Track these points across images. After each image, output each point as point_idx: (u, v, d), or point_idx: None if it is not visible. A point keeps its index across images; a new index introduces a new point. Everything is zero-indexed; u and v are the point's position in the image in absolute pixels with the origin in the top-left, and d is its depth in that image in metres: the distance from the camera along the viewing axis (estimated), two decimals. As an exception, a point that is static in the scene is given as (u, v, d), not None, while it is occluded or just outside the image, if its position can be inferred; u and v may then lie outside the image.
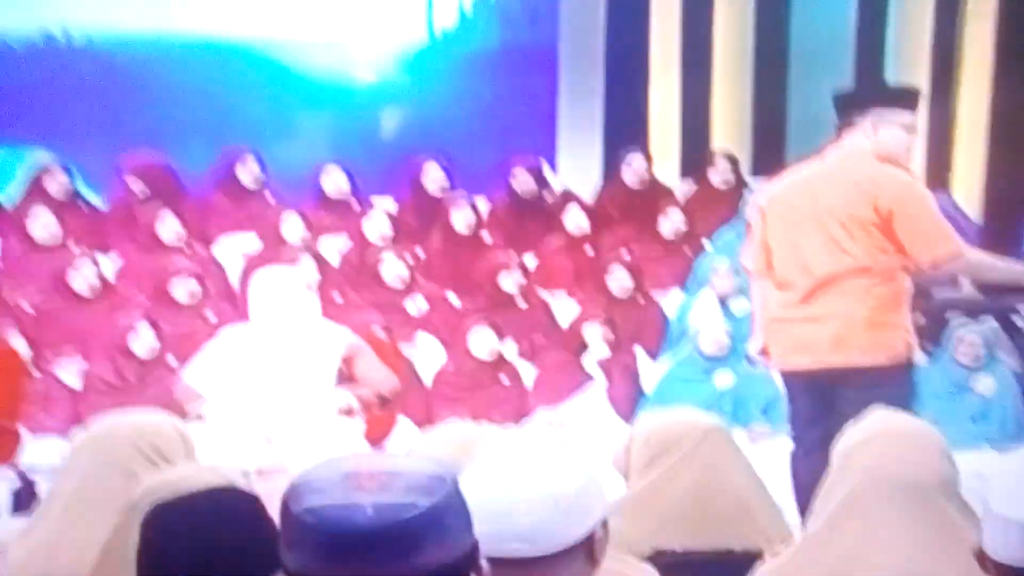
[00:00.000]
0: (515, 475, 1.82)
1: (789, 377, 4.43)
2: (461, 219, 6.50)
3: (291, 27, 7.53)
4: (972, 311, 5.89)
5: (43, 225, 6.31)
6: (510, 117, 7.50)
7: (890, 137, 4.16)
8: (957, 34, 7.58)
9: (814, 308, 4.18)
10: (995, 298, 5.81)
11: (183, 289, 5.88)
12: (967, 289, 6.08)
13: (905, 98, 4.40)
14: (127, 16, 7.42)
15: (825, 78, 7.34)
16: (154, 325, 5.63)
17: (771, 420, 5.58)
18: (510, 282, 6.14)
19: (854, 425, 2.62)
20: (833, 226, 4.16)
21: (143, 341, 5.59)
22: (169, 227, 6.32)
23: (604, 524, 1.87)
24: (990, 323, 5.89)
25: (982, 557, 2.05)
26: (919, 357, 4.31)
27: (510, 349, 6.02)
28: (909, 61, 7.60)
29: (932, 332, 5.73)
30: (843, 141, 4.23)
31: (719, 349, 5.76)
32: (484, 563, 1.68)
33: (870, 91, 5.44)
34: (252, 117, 7.31)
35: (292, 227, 6.40)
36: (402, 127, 7.50)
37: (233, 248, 6.63)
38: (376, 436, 5.18)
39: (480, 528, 1.69)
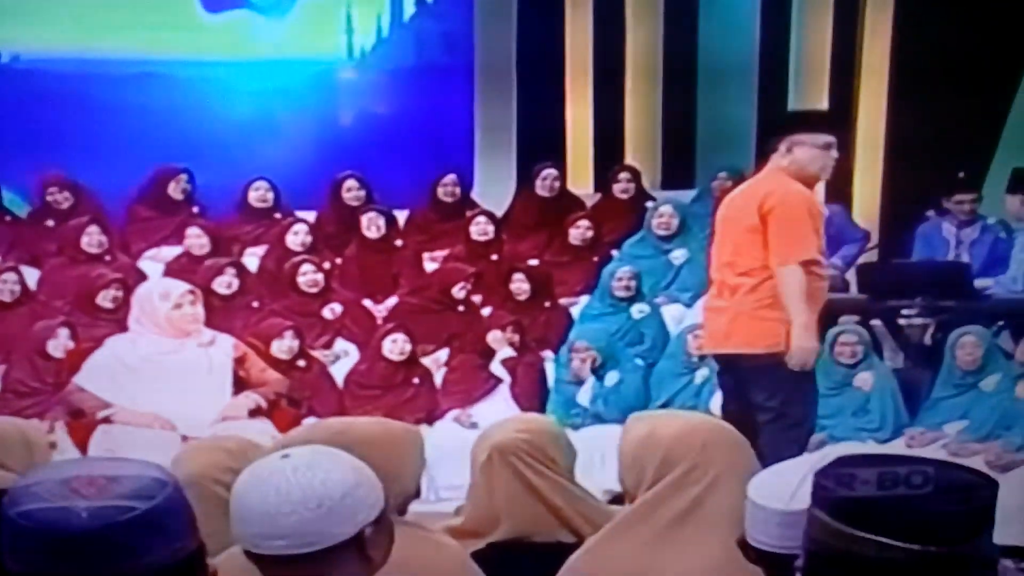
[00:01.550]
0: (281, 478, 1.87)
1: (714, 359, 5.03)
2: (373, 229, 6.70)
3: (217, 48, 7.71)
4: (861, 312, 6.22)
5: None
6: (428, 132, 7.63)
7: (803, 155, 4.55)
8: (855, 52, 7.89)
9: (718, 302, 4.73)
10: (880, 300, 6.19)
11: (106, 296, 5.99)
12: (854, 291, 6.53)
13: (813, 121, 4.99)
14: (56, 37, 7.56)
15: (731, 95, 7.86)
16: (72, 331, 5.76)
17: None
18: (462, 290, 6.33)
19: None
20: (735, 232, 4.64)
21: (60, 345, 5.71)
22: (93, 238, 6.46)
23: (378, 522, 1.90)
24: (875, 323, 6.22)
25: (743, 544, 2.13)
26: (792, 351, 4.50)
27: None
28: (810, 78, 7.89)
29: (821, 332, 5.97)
30: (769, 162, 4.67)
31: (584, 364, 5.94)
32: (214, 566, 1.74)
33: (783, 118, 5.95)
34: (181, 136, 7.41)
35: (199, 240, 6.60)
36: (324, 143, 7.59)
37: (162, 259, 6.79)
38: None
39: (249, 528, 1.83)
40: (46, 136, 7.34)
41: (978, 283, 6.37)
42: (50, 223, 6.80)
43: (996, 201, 6.71)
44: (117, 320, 5.77)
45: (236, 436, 3.29)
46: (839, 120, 6.61)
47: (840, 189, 7.22)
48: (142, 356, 5.41)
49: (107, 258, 6.46)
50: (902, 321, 6.15)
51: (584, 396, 5.86)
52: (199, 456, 2.82)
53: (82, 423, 5.33)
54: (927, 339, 6.19)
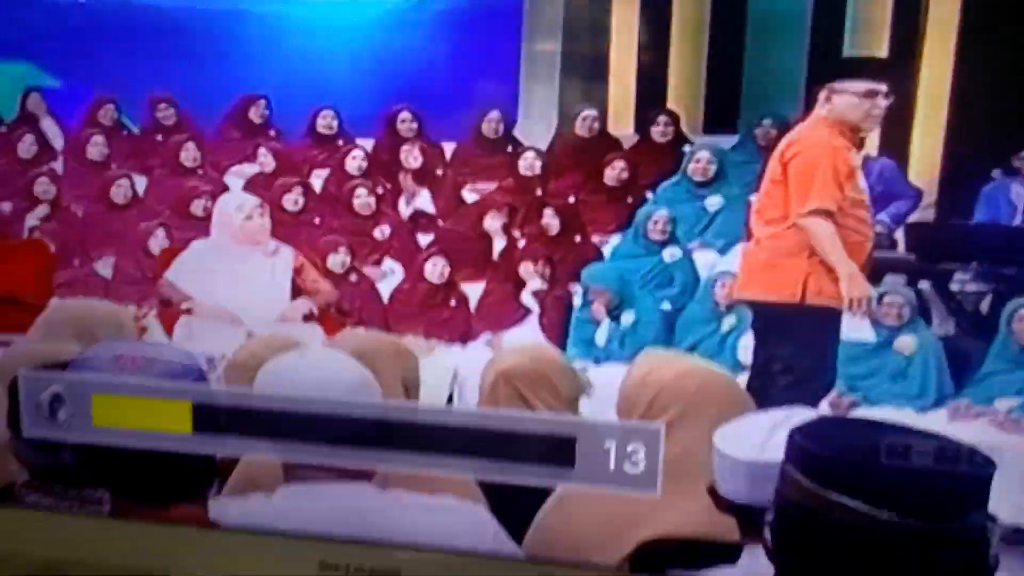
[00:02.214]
0: (299, 369, 2.14)
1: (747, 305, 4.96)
2: (411, 159, 7.12)
3: None
4: (908, 272, 5.95)
5: (97, 148, 7.47)
6: (477, 70, 7.84)
7: (841, 103, 4.47)
8: (920, 4, 7.34)
9: (745, 249, 4.76)
10: (931, 262, 5.91)
11: (197, 205, 6.83)
12: (902, 250, 6.24)
13: (858, 68, 4.94)
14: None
15: (781, 40, 7.57)
16: (169, 232, 6.70)
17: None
18: (491, 220, 6.67)
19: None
20: (766, 181, 4.65)
21: (159, 244, 6.68)
22: (189, 153, 7.35)
23: None
24: (923, 286, 5.94)
25: (713, 493, 2.17)
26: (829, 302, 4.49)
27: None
28: (869, 23, 7.42)
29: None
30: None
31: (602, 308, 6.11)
32: None
33: (822, 65, 5.74)
34: (262, 67, 7.93)
35: (269, 160, 7.36)
36: (386, 76, 7.91)
37: (243, 174, 7.53)
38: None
39: None
40: (151, 64, 7.96)
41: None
42: (158, 138, 7.62)
43: None
44: (205, 226, 6.43)
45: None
46: (894, 68, 6.28)
47: (898, 142, 6.94)
48: (219, 259, 6.08)
49: (200, 171, 7.32)
50: (955, 286, 5.86)
51: (600, 336, 6.05)
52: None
53: (170, 312, 6.11)
54: (983, 307, 5.85)
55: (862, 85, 4.47)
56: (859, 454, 1.66)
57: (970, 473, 1.67)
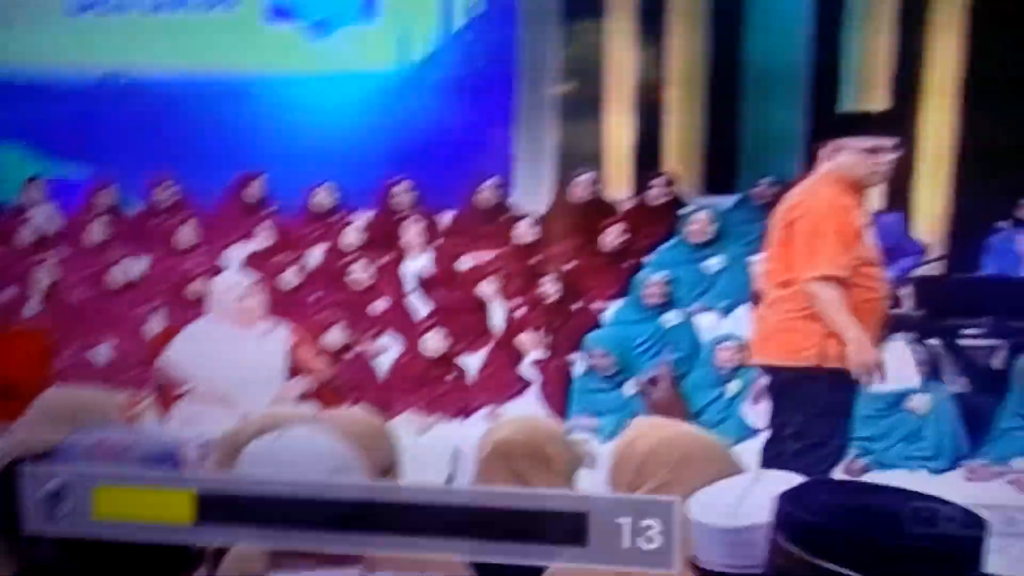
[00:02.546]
0: (278, 453, 2.06)
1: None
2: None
3: (286, 65, 8.28)
4: (917, 329, 5.76)
5: (96, 232, 7.36)
6: (472, 140, 7.81)
7: (845, 160, 4.28)
8: (920, 53, 7.29)
9: (757, 312, 4.59)
10: (939, 318, 5.72)
11: (193, 287, 6.69)
12: (908, 307, 6.02)
13: (859, 123, 4.52)
14: (155, 60, 8.38)
15: (779, 98, 7.53)
16: (167, 315, 6.62)
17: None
18: (488, 289, 6.56)
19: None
20: (773, 243, 4.45)
21: (155, 327, 6.60)
22: (187, 234, 7.29)
23: None
24: (933, 342, 5.73)
25: (692, 565, 2.06)
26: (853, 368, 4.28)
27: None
28: (867, 79, 7.40)
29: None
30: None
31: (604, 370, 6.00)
32: None
33: (825, 122, 5.59)
34: (257, 145, 7.97)
35: (271, 236, 7.24)
36: (381, 149, 7.87)
37: (241, 253, 7.42)
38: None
39: None
40: (148, 145, 8.06)
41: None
42: (158, 219, 7.55)
43: None
44: (202, 307, 6.33)
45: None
46: (894, 121, 5.72)
47: (902, 196, 6.84)
48: (214, 341, 5.96)
49: (198, 251, 7.21)
50: (966, 341, 5.65)
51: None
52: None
53: (166, 396, 5.99)
54: (996, 363, 5.63)
55: (867, 141, 4.28)
56: (847, 520, 1.58)
57: (963, 535, 1.58)
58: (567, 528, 1.90)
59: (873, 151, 4.26)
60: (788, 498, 1.65)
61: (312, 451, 2.05)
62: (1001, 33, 6.65)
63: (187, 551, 1.99)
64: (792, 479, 1.85)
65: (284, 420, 2.92)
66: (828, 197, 4.27)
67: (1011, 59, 6.53)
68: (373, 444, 2.68)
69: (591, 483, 3.04)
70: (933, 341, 5.67)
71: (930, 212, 7.04)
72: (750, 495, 1.94)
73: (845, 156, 4.28)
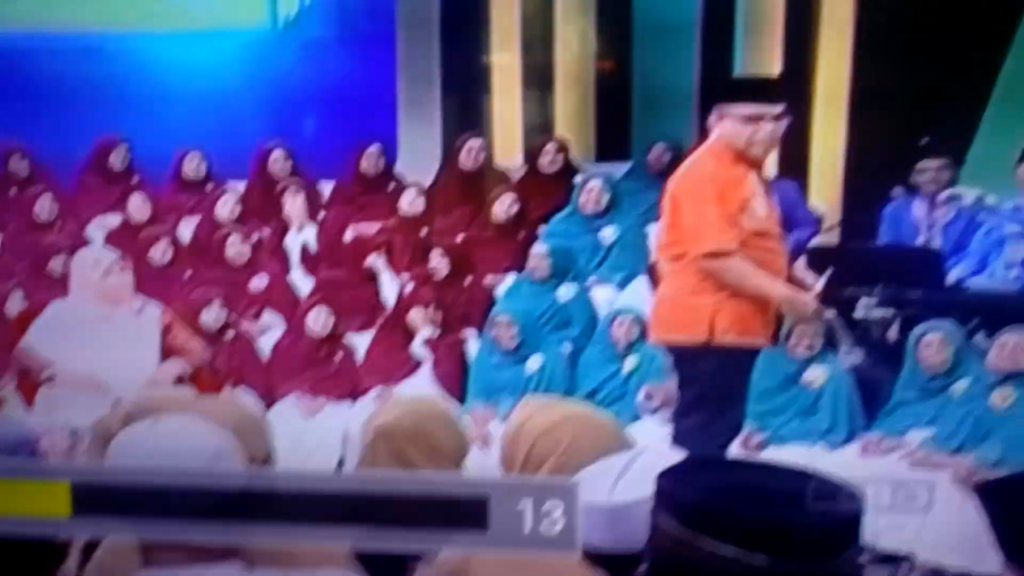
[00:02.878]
0: (155, 440, 1.95)
1: None
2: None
3: (146, 21, 7.74)
4: None
5: None
6: (352, 102, 7.48)
7: (727, 129, 4.18)
8: (813, 20, 7.08)
9: (658, 287, 4.47)
10: (835, 289, 5.29)
11: (55, 263, 6.24)
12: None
13: (745, 89, 4.45)
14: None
15: (671, 58, 7.26)
16: (26, 294, 6.11)
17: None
18: (375, 264, 6.32)
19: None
20: (664, 218, 4.33)
21: (15, 307, 6.09)
22: (45, 206, 6.75)
23: None
24: (828, 314, 5.39)
25: None
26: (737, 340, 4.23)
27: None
28: (760, 38, 7.16)
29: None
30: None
31: (509, 340, 5.79)
32: None
33: (714, 86, 5.46)
34: (120, 107, 7.46)
35: (142, 207, 6.75)
36: (253, 113, 7.50)
37: (105, 226, 6.96)
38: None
39: None
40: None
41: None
42: (11, 192, 7.03)
43: (976, 179, 5.97)
44: (64, 286, 5.91)
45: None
46: (781, 88, 5.65)
47: (797, 164, 6.67)
48: (79, 320, 5.59)
49: (58, 225, 6.72)
50: (860, 313, 5.49)
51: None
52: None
53: (29, 381, 5.58)
54: (890, 335, 5.51)
55: (747, 109, 4.19)
56: (726, 496, 1.59)
57: (841, 509, 1.58)
58: (467, 513, 1.84)
59: (754, 119, 4.16)
60: (667, 475, 1.65)
61: (187, 440, 1.96)
62: (895, 16, 6.53)
63: (54, 545, 1.92)
64: (672, 456, 1.98)
65: (157, 406, 2.79)
66: (711, 169, 4.18)
67: (904, 34, 6.42)
68: (249, 433, 2.55)
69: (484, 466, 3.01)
70: (828, 312, 5.38)
71: (825, 180, 6.93)
72: (628, 473, 1.94)
73: (728, 123, 4.18)
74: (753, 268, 4.16)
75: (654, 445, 2.63)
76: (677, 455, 2.33)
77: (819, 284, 4.36)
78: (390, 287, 6.36)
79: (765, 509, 1.55)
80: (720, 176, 4.17)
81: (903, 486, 4.87)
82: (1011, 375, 4.99)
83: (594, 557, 2.02)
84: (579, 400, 4.96)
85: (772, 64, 6.98)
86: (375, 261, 6.36)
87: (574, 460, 2.36)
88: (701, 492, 1.58)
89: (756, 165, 4.30)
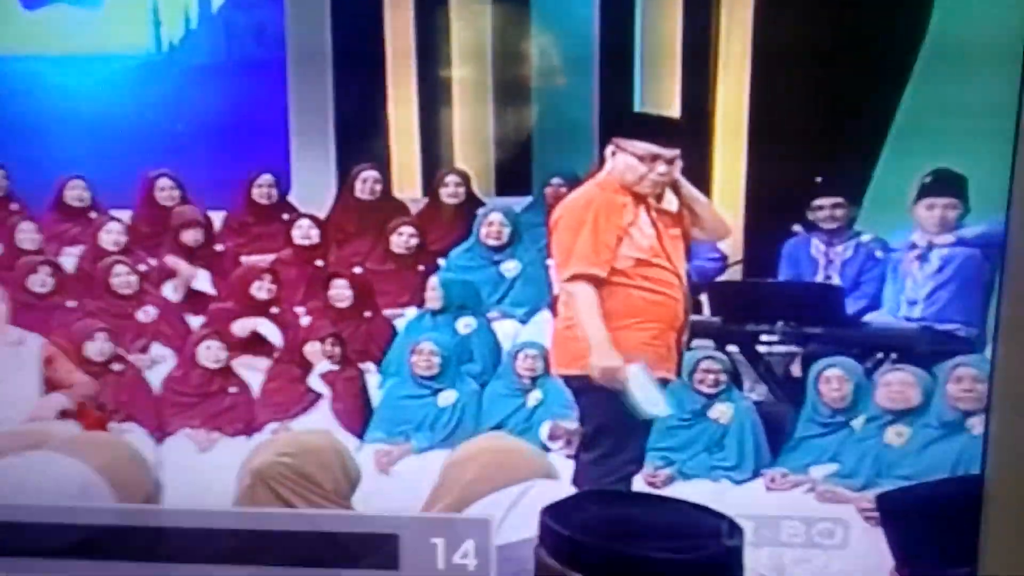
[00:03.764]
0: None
1: None
2: (189, 235, 6.54)
3: (33, 44, 7.40)
4: (716, 336, 5.69)
5: None
6: (241, 130, 7.30)
7: (621, 165, 4.33)
8: (711, 44, 6.88)
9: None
10: (736, 324, 5.65)
11: None
12: (707, 314, 5.90)
13: (642, 126, 4.62)
14: None
15: (570, 91, 7.01)
16: None
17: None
18: (263, 289, 6.21)
19: None
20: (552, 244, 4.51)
21: None
22: None
23: None
24: (731, 349, 5.69)
25: None
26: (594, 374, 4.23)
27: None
28: (659, 73, 6.90)
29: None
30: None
31: (427, 368, 5.77)
32: None
33: (613, 121, 5.50)
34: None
35: (32, 236, 6.57)
36: (137, 140, 7.29)
37: None
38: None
39: None
40: None
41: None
42: None
43: (875, 217, 6.03)
44: None
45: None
46: (683, 127, 5.80)
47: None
48: None
49: None
50: (762, 348, 5.62)
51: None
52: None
53: None
54: (793, 370, 5.61)
55: (642, 146, 4.31)
56: (605, 532, 1.56)
57: (722, 545, 1.57)
58: (377, 550, 1.81)
59: (649, 159, 4.28)
60: (550, 511, 1.63)
61: (56, 475, 1.86)
62: (788, 29, 6.54)
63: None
64: (560, 491, 1.79)
65: (28, 441, 2.70)
66: (590, 195, 4.30)
67: (799, 56, 6.34)
68: (126, 470, 2.46)
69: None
70: (732, 348, 5.64)
71: (727, 215, 6.97)
72: (514, 510, 2.02)
73: (621, 159, 4.31)
74: (594, 304, 4.07)
75: (540, 481, 2.58)
76: (564, 490, 2.15)
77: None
78: (284, 320, 6.24)
79: (643, 544, 1.52)
80: (598, 202, 4.27)
81: (810, 521, 4.95)
82: (902, 412, 5.15)
83: None
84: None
85: (671, 99, 6.99)
86: (267, 293, 6.23)
87: (476, 496, 2.37)
88: (579, 528, 1.55)
89: (642, 198, 4.30)
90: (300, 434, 4.25)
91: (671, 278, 4.45)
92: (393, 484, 5.16)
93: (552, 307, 5.77)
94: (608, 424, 4.38)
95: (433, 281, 6.07)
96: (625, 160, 4.32)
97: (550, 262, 6.20)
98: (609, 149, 4.39)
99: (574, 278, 4.25)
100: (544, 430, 5.49)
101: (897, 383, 5.16)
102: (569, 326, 4.34)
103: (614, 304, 4.29)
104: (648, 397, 4.38)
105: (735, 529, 1.56)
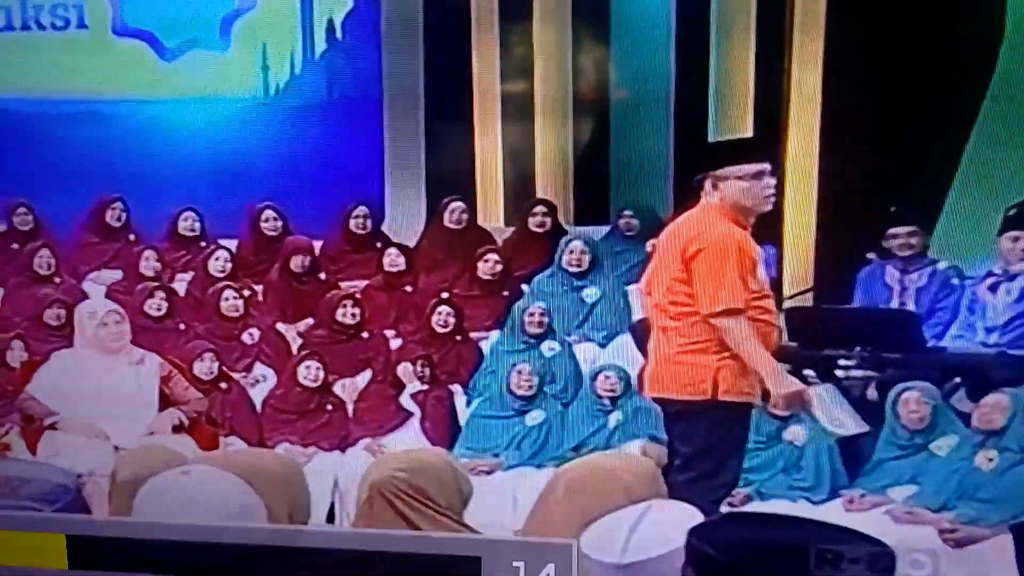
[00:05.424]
0: (182, 491, 1.73)
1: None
2: (297, 261, 6.16)
3: (146, 89, 7.11)
4: (794, 362, 4.94)
5: None
6: (340, 166, 6.91)
7: (730, 190, 3.89)
8: (783, 81, 6.35)
9: (651, 344, 4.09)
10: (813, 349, 5.07)
11: (50, 315, 5.91)
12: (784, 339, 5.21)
13: (731, 151, 4.17)
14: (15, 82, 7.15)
15: (646, 127, 6.58)
16: (26, 344, 5.73)
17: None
18: (347, 315, 5.78)
19: None
20: (668, 279, 4.00)
21: (16, 357, 5.73)
22: (43, 260, 6.37)
23: None
24: (808, 373, 5.00)
25: None
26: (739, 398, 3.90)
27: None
28: (732, 109, 6.44)
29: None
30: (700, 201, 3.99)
31: (528, 388, 5.31)
32: None
33: (695, 152, 5.28)
34: (120, 169, 6.85)
35: (153, 264, 6.35)
36: (245, 175, 6.93)
37: (103, 280, 6.55)
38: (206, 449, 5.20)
39: None
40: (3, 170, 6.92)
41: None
42: (15, 246, 6.60)
43: (947, 244, 5.50)
44: (62, 335, 5.71)
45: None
46: (765, 146, 5.17)
47: (771, 228, 5.89)
48: (81, 370, 5.40)
49: (56, 279, 6.34)
50: (839, 373, 5.06)
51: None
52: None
53: (32, 428, 5.34)
54: (870, 394, 5.04)
55: (748, 168, 3.91)
56: (754, 553, 1.44)
57: (872, 568, 1.38)
58: (461, 571, 1.78)
59: (757, 176, 3.90)
60: (698, 534, 1.51)
61: (218, 492, 1.80)
62: (859, 62, 6.00)
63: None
64: (683, 511, 1.81)
65: (183, 457, 2.64)
66: (725, 231, 3.87)
67: (871, 88, 5.85)
68: (282, 487, 2.15)
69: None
70: (808, 372, 5.02)
71: (800, 245, 6.39)
72: (637, 530, 1.83)
73: (730, 185, 3.89)
74: (752, 334, 3.86)
75: (657, 502, 2.34)
76: (683, 510, 1.99)
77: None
78: (378, 342, 5.78)
79: (793, 564, 1.43)
80: (736, 238, 3.88)
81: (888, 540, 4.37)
82: (990, 434, 4.56)
83: None
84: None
85: (745, 128, 6.44)
86: (362, 316, 5.76)
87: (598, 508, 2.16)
88: (725, 549, 1.44)
89: (750, 230, 3.97)
90: (416, 451, 3.93)
91: (772, 305, 4.00)
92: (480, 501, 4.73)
93: (633, 332, 5.33)
94: (706, 448, 3.89)
95: (538, 307, 5.57)
96: (736, 186, 3.85)
97: (630, 288, 5.74)
98: (708, 183, 3.92)
99: (723, 313, 3.79)
100: (638, 448, 5.03)
101: (992, 405, 4.57)
102: (693, 351, 3.86)
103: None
104: (833, 417, 3.93)
105: (887, 551, 1.45)
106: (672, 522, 1.74)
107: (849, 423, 4.10)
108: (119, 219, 6.61)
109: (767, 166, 3.93)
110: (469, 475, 2.76)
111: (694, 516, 1.65)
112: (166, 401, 5.28)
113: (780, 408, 3.83)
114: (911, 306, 5.31)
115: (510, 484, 4.73)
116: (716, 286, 3.79)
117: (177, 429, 5.21)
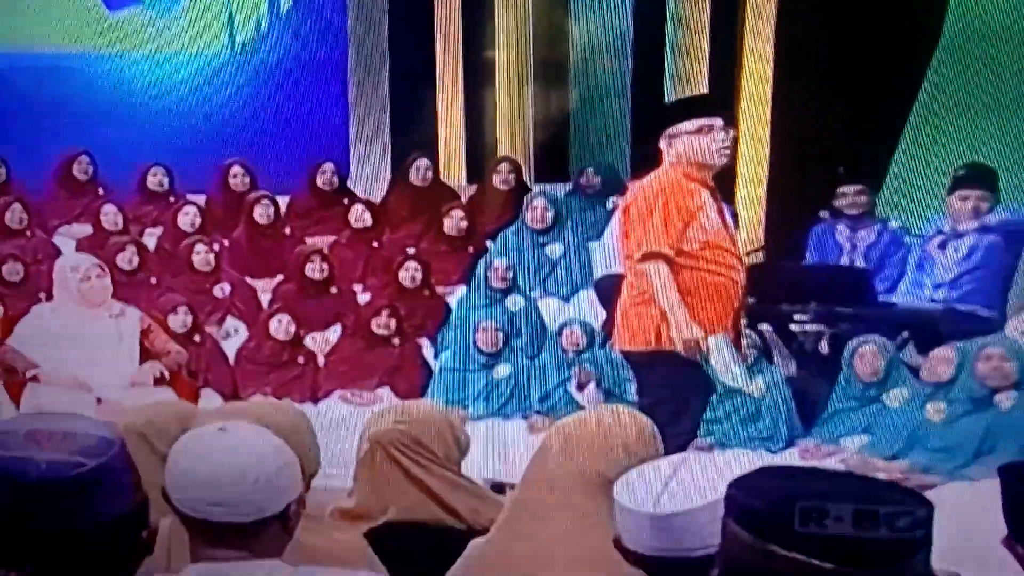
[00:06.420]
0: (223, 449, 1.64)
1: None
2: (262, 213, 5.79)
3: (116, 44, 6.74)
4: (749, 316, 4.61)
5: None
6: (306, 122, 6.54)
7: (682, 147, 3.63)
8: (736, 41, 6.18)
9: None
10: (769, 304, 4.81)
11: (11, 271, 5.54)
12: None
13: (681, 110, 3.84)
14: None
15: (605, 87, 6.43)
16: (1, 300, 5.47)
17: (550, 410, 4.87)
18: (315, 271, 5.43)
19: None
20: (620, 233, 3.80)
21: None
22: (15, 215, 5.91)
23: (300, 501, 1.71)
24: (764, 328, 4.88)
25: (619, 545, 1.78)
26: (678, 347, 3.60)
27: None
28: (688, 69, 6.27)
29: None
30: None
31: (493, 345, 5.00)
32: (157, 519, 1.60)
33: (652, 114, 4.98)
34: (85, 125, 6.52)
35: (114, 218, 5.95)
36: (212, 131, 6.49)
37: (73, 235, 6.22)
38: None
39: (186, 493, 1.63)
40: None
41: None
42: None
43: (898, 203, 5.36)
44: (26, 291, 5.39)
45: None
46: (718, 102, 4.84)
47: (725, 187, 6.04)
48: (62, 323, 5.05)
49: (28, 233, 5.92)
50: (794, 327, 4.85)
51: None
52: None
53: (15, 380, 5.01)
54: (823, 347, 4.86)
55: (694, 123, 3.63)
56: (795, 505, 1.31)
57: (909, 515, 1.31)
58: None
59: (706, 129, 3.61)
60: (739, 485, 1.43)
61: (256, 448, 1.64)
62: (811, 26, 5.73)
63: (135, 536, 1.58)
64: (721, 463, 1.70)
65: (213, 413, 2.42)
66: (661, 180, 3.63)
67: (822, 50, 5.65)
68: (296, 438, 2.00)
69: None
70: (765, 326, 4.89)
71: (750, 202, 6.14)
72: (673, 482, 1.70)
73: (680, 141, 3.62)
74: (670, 281, 3.57)
75: (694, 454, 2.31)
76: (721, 463, 1.88)
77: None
78: (348, 297, 5.48)
79: (831, 516, 1.31)
80: (668, 187, 3.61)
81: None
82: (939, 386, 4.36)
83: (634, 557, 1.73)
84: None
85: (700, 87, 6.14)
86: (311, 269, 5.39)
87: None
88: (769, 501, 1.36)
89: (707, 184, 3.69)
90: (413, 404, 3.68)
91: (734, 260, 3.75)
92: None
93: (594, 287, 5.08)
94: (667, 397, 3.59)
95: (502, 262, 5.24)
96: (684, 141, 3.61)
97: (592, 244, 5.47)
98: (664, 142, 3.67)
99: (646, 257, 3.56)
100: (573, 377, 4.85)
101: (939, 358, 4.38)
102: (639, 303, 3.63)
103: (681, 284, 3.61)
104: (727, 369, 3.67)
105: (925, 502, 1.32)
106: (711, 475, 1.62)
107: (741, 376, 3.85)
108: (86, 172, 6.26)
109: (718, 120, 3.64)
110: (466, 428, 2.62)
111: (733, 469, 1.45)
112: (146, 354, 4.93)
113: (681, 352, 3.58)
114: (860, 263, 5.10)
115: (480, 435, 4.45)
116: (641, 233, 3.56)
117: (159, 381, 4.87)
